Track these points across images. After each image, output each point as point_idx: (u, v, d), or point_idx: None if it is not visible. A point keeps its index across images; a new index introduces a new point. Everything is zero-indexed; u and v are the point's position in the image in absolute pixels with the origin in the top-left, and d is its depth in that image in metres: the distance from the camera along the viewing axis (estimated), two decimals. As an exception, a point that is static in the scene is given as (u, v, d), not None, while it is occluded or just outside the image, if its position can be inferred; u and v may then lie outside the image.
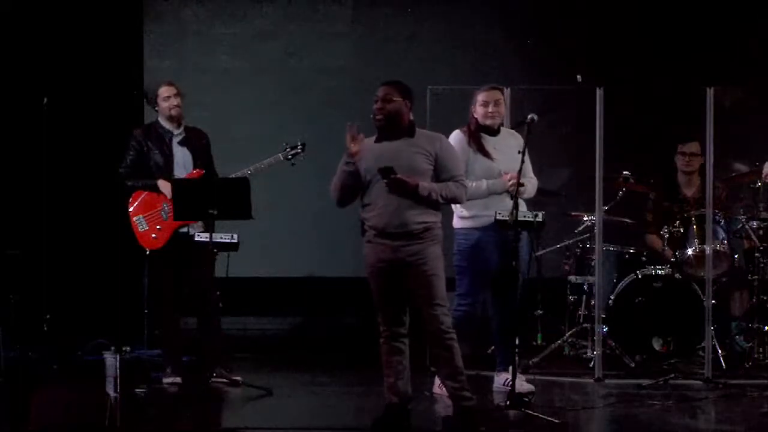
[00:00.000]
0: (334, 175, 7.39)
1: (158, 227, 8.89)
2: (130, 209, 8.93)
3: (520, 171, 7.94)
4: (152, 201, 8.91)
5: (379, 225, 7.26)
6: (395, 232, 7.23)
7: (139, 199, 8.93)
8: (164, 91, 8.99)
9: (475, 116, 8.48)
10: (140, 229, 8.91)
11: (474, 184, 8.19)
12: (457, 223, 8.46)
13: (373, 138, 7.41)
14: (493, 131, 8.47)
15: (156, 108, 9.04)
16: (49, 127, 9.96)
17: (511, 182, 8.15)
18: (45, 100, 9.88)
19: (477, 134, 8.41)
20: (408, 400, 7.44)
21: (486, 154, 8.37)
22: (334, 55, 11.59)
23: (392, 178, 7.17)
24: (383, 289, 7.34)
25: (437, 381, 8.34)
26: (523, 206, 8.12)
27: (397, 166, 7.19)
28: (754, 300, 9.57)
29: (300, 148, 9.07)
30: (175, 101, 8.96)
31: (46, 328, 9.83)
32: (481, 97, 8.50)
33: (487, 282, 8.40)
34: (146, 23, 11.49)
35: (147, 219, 8.90)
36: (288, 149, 9.08)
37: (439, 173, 7.34)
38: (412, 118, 7.43)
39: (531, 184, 8.48)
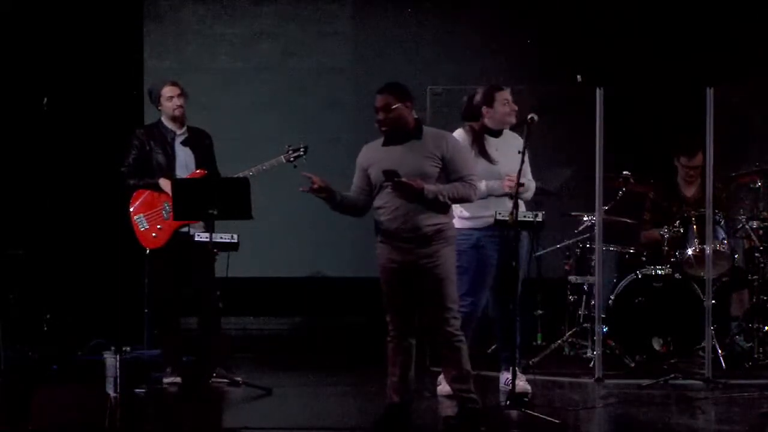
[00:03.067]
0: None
1: (159, 226, 8.88)
2: (131, 208, 8.91)
3: (519, 171, 7.94)
4: (153, 200, 8.89)
5: (391, 228, 7.23)
6: (407, 236, 7.21)
7: (141, 199, 8.92)
8: (168, 90, 8.95)
9: (487, 116, 8.41)
10: (141, 228, 8.90)
11: None
12: (457, 223, 8.43)
13: (381, 141, 7.37)
14: (497, 132, 8.45)
15: (159, 108, 9.02)
16: (49, 127, 9.95)
17: (508, 183, 8.15)
18: (45, 100, 9.87)
19: (481, 136, 8.37)
20: (410, 400, 7.43)
21: (487, 156, 8.34)
22: (334, 55, 11.60)
23: (396, 181, 7.13)
24: (394, 290, 7.30)
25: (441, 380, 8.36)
26: (522, 207, 8.13)
27: (404, 170, 7.14)
28: (754, 300, 9.57)
29: (302, 151, 8.98)
30: (178, 101, 8.92)
31: (46, 328, 9.82)
32: (502, 96, 8.43)
33: (489, 282, 8.39)
34: (146, 23, 11.50)
35: (148, 218, 8.89)
36: (290, 151, 9.00)
37: (449, 174, 7.29)
38: (416, 116, 7.36)
39: (529, 186, 8.48)
